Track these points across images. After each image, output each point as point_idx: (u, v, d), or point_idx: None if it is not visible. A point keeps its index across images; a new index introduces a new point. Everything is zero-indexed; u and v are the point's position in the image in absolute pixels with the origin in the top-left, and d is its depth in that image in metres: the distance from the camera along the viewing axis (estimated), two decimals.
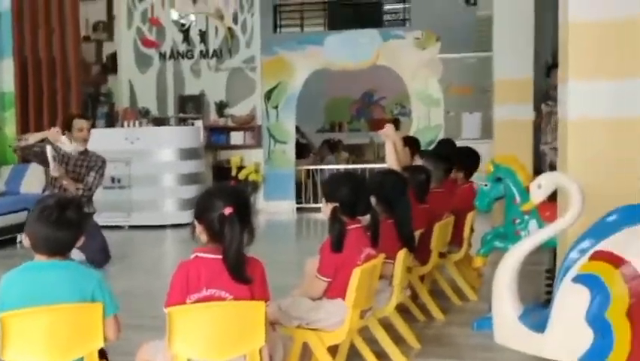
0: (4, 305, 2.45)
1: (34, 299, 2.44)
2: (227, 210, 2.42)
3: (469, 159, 5.43)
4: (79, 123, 5.98)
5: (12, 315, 2.40)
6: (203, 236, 2.52)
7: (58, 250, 2.56)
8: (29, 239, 2.56)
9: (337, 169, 9.48)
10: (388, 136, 4.60)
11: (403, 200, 3.79)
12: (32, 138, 5.75)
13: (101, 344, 2.54)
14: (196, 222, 2.54)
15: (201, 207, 2.54)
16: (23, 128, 9.13)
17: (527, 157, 7.34)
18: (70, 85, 9.26)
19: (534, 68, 8.12)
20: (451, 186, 5.02)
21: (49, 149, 5.67)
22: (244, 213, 2.49)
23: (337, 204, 3.10)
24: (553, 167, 6.40)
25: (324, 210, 3.18)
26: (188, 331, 2.42)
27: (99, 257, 5.65)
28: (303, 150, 11.53)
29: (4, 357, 2.45)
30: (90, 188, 5.97)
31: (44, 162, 5.85)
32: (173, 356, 2.44)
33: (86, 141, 5.99)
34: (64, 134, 5.90)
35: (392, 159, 4.54)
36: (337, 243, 3.03)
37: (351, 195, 3.12)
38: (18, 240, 7.66)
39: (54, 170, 5.72)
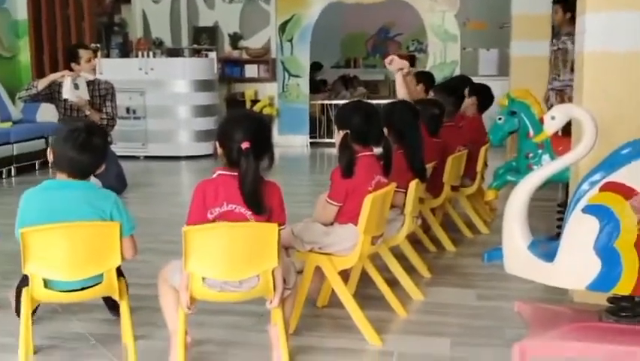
0: (25, 221, 2.53)
1: (54, 216, 2.51)
2: (245, 145, 2.47)
3: (483, 95, 5.39)
4: (86, 54, 5.97)
5: (32, 230, 2.47)
6: (222, 159, 2.58)
7: (80, 172, 2.63)
8: (53, 156, 2.63)
9: None
10: (393, 66, 4.51)
11: (414, 130, 3.76)
12: (41, 84, 5.74)
13: (118, 262, 2.62)
14: (217, 145, 2.59)
15: (222, 134, 2.59)
16: (37, 56, 9.14)
17: (544, 95, 7.26)
18: (84, 14, 9.20)
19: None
20: (465, 120, 5.00)
21: (69, 80, 5.67)
22: (263, 144, 2.54)
23: (348, 131, 3.09)
24: None
25: (337, 138, 3.18)
26: (202, 250, 2.47)
27: (116, 185, 5.71)
28: (318, 86, 11.47)
29: (25, 270, 2.54)
30: (113, 117, 6.02)
31: (55, 101, 5.88)
32: (188, 275, 2.50)
33: (94, 70, 6.00)
34: (70, 66, 5.90)
35: (402, 91, 4.46)
36: (347, 169, 3.04)
37: (363, 123, 3.10)
38: (36, 167, 7.80)
39: (79, 99, 5.74)
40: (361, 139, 3.12)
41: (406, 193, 3.48)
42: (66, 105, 5.86)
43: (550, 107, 7.00)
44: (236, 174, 2.51)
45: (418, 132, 3.81)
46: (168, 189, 7.21)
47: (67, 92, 5.69)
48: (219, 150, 2.59)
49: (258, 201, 2.51)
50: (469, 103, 5.11)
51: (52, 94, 5.82)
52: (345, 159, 3.06)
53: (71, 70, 5.85)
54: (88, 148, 2.60)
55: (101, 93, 6.02)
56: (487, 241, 4.60)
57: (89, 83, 5.89)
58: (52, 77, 5.89)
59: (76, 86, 5.72)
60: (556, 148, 4.09)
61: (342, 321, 3.14)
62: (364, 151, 3.13)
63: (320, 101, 10.59)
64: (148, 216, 5.15)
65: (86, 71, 5.87)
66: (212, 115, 8.96)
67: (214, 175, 2.58)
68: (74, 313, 3.29)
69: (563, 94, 6.63)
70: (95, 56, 6.14)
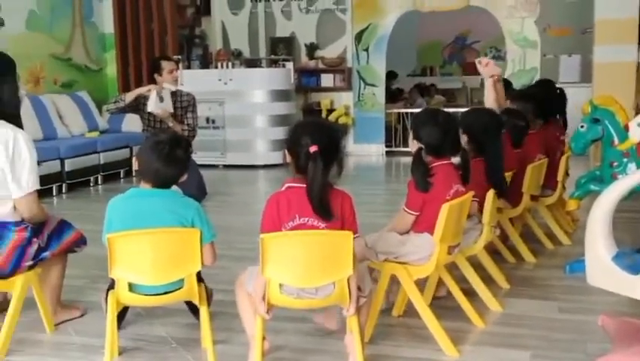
0: (111, 228, 2.65)
1: (138, 223, 2.61)
2: (312, 149, 2.48)
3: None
4: (169, 65, 6.11)
5: (118, 236, 2.58)
6: (291, 166, 2.60)
7: (163, 182, 2.73)
8: (138, 166, 2.73)
9: None
10: (487, 71, 4.29)
11: (495, 143, 3.65)
12: (128, 97, 5.93)
13: (198, 268, 2.69)
14: (286, 152, 2.62)
15: (290, 141, 2.61)
16: (123, 69, 9.49)
17: (629, 103, 7.02)
18: (167, 27, 9.50)
19: None
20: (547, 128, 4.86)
21: (154, 93, 5.86)
22: (331, 150, 2.53)
23: (422, 146, 3.04)
24: None
25: (411, 147, 3.13)
26: (279, 257, 2.50)
27: (196, 193, 5.85)
28: (394, 94, 11.44)
29: (111, 274, 2.64)
30: (193, 129, 6.16)
31: (140, 112, 6.07)
32: (265, 281, 2.54)
33: (176, 81, 6.16)
34: (153, 78, 6.08)
35: (491, 98, 4.25)
36: (420, 184, 2.99)
37: (437, 137, 3.03)
38: (121, 175, 8.10)
39: (163, 112, 5.92)
40: (435, 151, 3.06)
41: (479, 203, 3.42)
42: (150, 117, 6.05)
43: None
44: (304, 185, 2.51)
45: (500, 146, 3.68)
46: (246, 197, 7.34)
47: (152, 105, 5.87)
48: (288, 158, 2.62)
49: (326, 207, 2.51)
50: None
51: (138, 106, 6.02)
52: (418, 174, 3.00)
53: (154, 81, 6.04)
54: (172, 160, 2.69)
55: (183, 105, 6.19)
56: (569, 252, 4.48)
57: (172, 95, 6.07)
58: (138, 90, 6.08)
59: (161, 99, 5.90)
60: None
61: (418, 331, 3.12)
62: (440, 160, 3.08)
63: (396, 110, 10.56)
64: (226, 224, 5.26)
65: (167, 82, 6.03)
66: (289, 125, 9.00)
67: (283, 188, 2.59)
68: (157, 317, 3.40)
69: None
70: (177, 68, 6.31)
